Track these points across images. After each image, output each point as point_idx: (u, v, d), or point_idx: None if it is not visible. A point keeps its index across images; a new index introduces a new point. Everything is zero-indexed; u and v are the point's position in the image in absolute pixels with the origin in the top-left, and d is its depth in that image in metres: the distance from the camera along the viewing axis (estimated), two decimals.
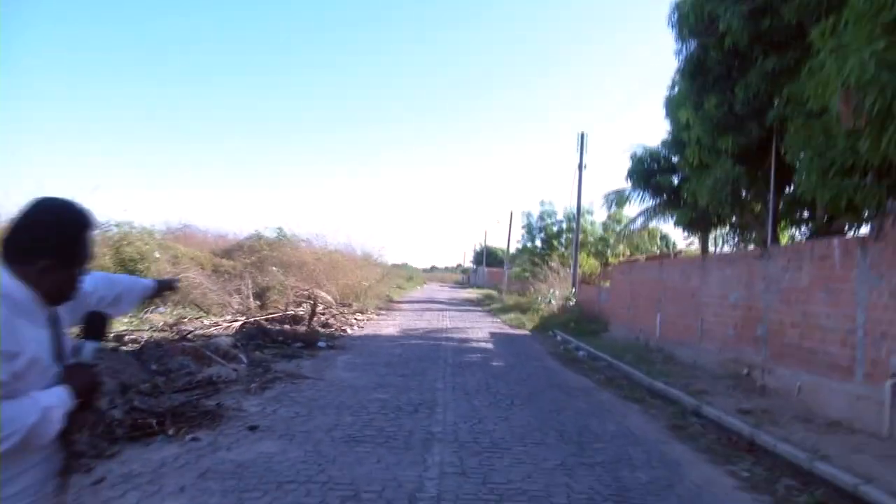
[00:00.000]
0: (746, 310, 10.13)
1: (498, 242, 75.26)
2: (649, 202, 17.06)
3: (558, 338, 17.59)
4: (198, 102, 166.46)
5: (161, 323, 13.24)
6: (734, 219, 13.75)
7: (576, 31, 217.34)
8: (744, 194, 12.06)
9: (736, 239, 15.12)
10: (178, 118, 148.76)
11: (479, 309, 32.32)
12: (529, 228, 41.17)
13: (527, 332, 20.01)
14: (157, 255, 17.09)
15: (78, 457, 4.67)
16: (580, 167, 26.10)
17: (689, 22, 10.77)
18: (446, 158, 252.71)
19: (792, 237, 13.71)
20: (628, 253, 32.07)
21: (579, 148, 26.15)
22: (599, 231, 35.49)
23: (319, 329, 15.98)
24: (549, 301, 25.02)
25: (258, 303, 18.50)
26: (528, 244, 41.46)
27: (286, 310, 16.85)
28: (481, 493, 4.78)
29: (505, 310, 28.45)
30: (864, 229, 10.04)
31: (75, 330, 1.89)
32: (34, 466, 1.68)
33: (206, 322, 14.33)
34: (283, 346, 12.47)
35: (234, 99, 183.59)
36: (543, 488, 4.93)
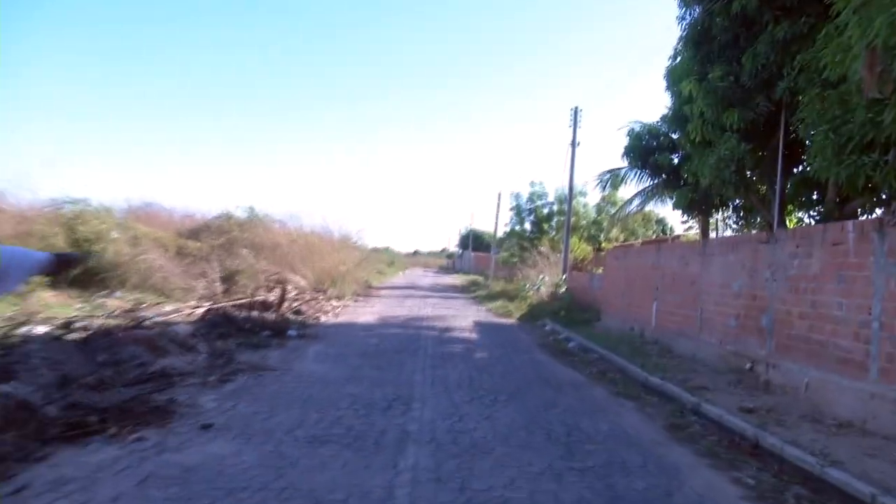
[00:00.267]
0: (750, 299, 9.91)
1: (485, 226, 75.24)
2: (647, 182, 16.91)
3: (547, 327, 17.43)
4: (172, 76, 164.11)
5: (116, 309, 12.82)
6: (738, 200, 13.61)
7: (569, 2, 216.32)
8: (749, 174, 11.91)
9: (739, 222, 14.98)
10: (151, 93, 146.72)
11: (464, 296, 32.10)
12: (518, 210, 40.79)
13: (514, 322, 19.81)
14: (115, 236, 16.63)
15: None
16: (573, 144, 25.85)
17: None
18: (432, 137, 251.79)
19: (800, 220, 13.54)
20: (623, 238, 32.00)
21: (572, 123, 25.88)
22: (593, 214, 35.23)
23: (291, 316, 15.67)
24: (539, 288, 24.82)
25: (226, 287, 18.11)
26: (517, 227, 41.07)
27: (253, 295, 16.45)
28: (458, 502, 4.50)
29: (491, 297, 28.26)
30: (880, 212, 9.88)
31: None
32: None
33: (167, 308, 13.93)
34: (249, 334, 12.13)
35: (209, 73, 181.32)
36: (528, 496, 4.66)
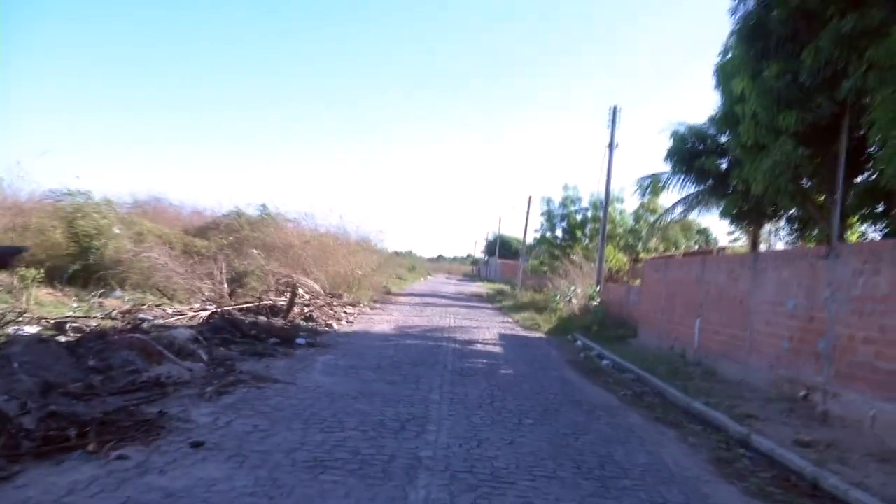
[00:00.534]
0: (806, 320, 9.47)
1: (513, 231, 74.76)
2: (691, 189, 16.51)
3: (579, 343, 17.13)
4: (187, 69, 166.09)
5: (114, 310, 12.70)
6: (793, 210, 13.17)
7: None
8: (806, 181, 11.52)
9: (793, 234, 14.53)
10: (165, 85, 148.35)
11: (489, 306, 31.80)
12: (549, 216, 40.30)
13: (542, 335, 19.51)
14: (117, 231, 16.60)
15: None
16: (611, 146, 25.38)
17: None
18: (459, 137, 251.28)
19: (863, 235, 13.07)
20: (662, 248, 31.48)
21: (610, 124, 25.43)
22: (630, 222, 34.72)
23: (301, 323, 15.50)
24: (570, 300, 24.47)
25: (233, 289, 17.99)
26: (548, 234, 40.57)
27: (261, 299, 16.25)
28: None
29: (518, 308, 27.96)
30: None
31: None
32: None
33: (169, 310, 13.81)
34: (255, 341, 11.94)
35: (226, 67, 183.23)
36: None
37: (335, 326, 16.35)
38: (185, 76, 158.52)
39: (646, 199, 26.36)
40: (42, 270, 12.91)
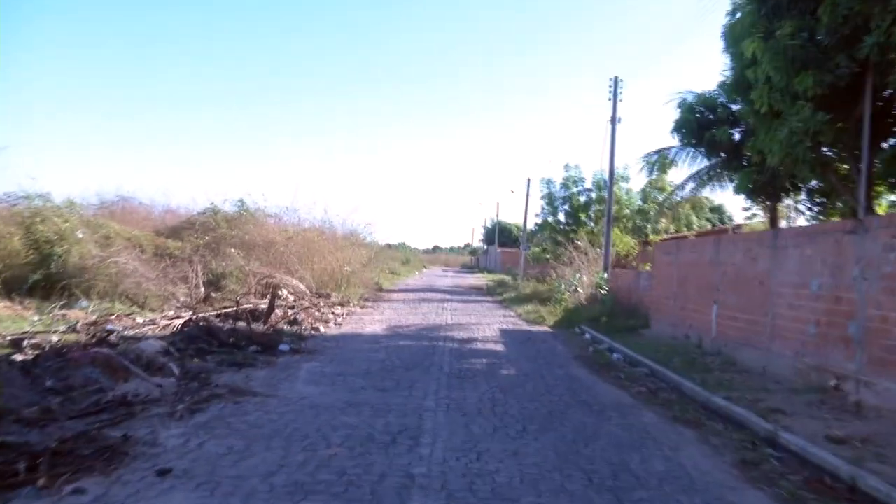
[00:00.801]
0: (833, 301, 9.28)
1: (513, 217, 74.74)
2: (702, 163, 16.39)
3: (586, 336, 16.99)
4: (166, 63, 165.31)
5: (78, 322, 12.44)
6: (814, 182, 13.02)
7: None
8: (827, 150, 11.36)
9: (816, 208, 14.38)
10: (142, 80, 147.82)
11: (489, 299, 31.65)
12: (551, 199, 39.98)
13: (547, 329, 19.39)
14: (81, 235, 16.32)
15: None
16: (613, 120, 25.13)
17: None
18: (452, 121, 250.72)
19: (893, 204, 12.91)
20: (673, 229, 31.30)
21: (612, 96, 25.18)
22: (637, 201, 34.51)
23: (285, 327, 15.29)
24: (575, 289, 24.31)
25: (210, 293, 17.76)
26: (549, 218, 40.26)
27: (239, 303, 16.01)
28: None
29: (520, 300, 27.83)
30: None
31: None
32: None
33: (140, 320, 13.58)
34: (233, 350, 11.72)
35: (210, 61, 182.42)
36: None
37: (322, 329, 16.12)
38: (165, 73, 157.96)
39: (653, 177, 26.16)
40: None
